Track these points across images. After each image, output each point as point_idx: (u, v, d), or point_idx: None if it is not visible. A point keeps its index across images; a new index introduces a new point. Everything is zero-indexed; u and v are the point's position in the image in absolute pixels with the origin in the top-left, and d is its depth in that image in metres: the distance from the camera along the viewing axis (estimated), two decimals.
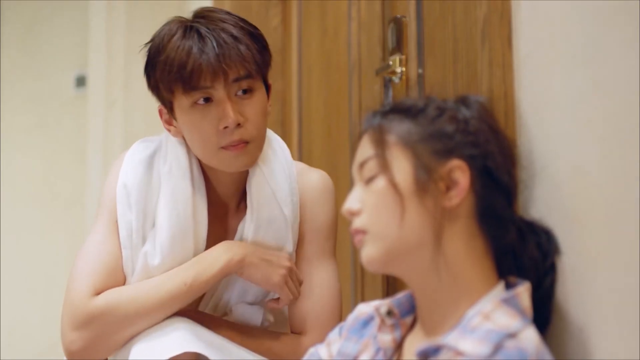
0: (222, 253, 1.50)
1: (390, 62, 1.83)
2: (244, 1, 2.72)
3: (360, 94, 2.10)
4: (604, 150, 1.02)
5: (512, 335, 0.99)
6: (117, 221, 1.53)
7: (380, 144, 1.10)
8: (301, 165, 1.70)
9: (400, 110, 1.12)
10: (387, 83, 1.88)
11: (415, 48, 1.74)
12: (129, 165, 1.57)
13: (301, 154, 2.59)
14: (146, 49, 1.55)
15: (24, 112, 4.17)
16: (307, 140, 2.57)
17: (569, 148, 1.10)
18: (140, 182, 1.54)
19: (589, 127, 1.06)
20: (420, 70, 1.72)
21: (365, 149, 1.13)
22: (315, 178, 1.66)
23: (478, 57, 1.37)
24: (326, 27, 2.43)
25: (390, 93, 1.87)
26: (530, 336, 1.00)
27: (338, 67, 2.32)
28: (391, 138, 1.10)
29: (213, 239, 1.56)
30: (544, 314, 1.12)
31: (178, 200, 1.53)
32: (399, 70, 1.82)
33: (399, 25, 1.83)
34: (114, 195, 1.55)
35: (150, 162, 1.58)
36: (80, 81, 3.99)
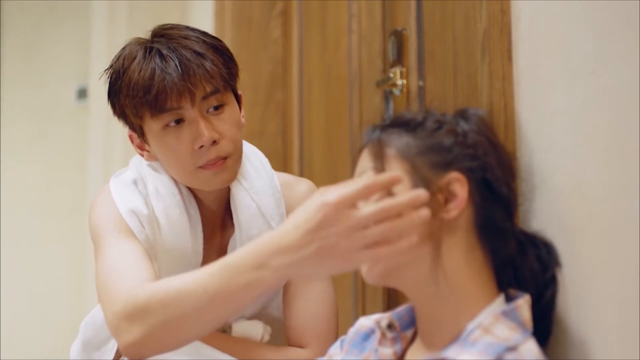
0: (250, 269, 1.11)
1: (391, 75, 1.84)
2: (244, 13, 2.72)
3: (360, 106, 2.10)
4: (604, 162, 1.03)
5: (512, 348, 0.99)
6: (127, 235, 1.45)
7: (379, 157, 1.11)
8: (285, 176, 1.67)
9: (399, 123, 1.13)
10: (387, 95, 1.88)
11: (416, 60, 1.75)
12: (123, 193, 1.51)
13: (302, 166, 2.60)
14: (106, 75, 1.50)
15: (24, 123, 4.17)
16: (308, 152, 2.57)
17: (569, 161, 1.10)
18: (140, 201, 1.51)
19: (588, 140, 1.06)
20: (420, 83, 1.73)
21: (365, 162, 1.13)
22: (303, 189, 1.63)
23: (478, 70, 1.38)
24: (327, 39, 2.44)
25: (391, 105, 1.87)
26: (530, 349, 1.00)
27: (339, 79, 2.32)
28: (390, 151, 1.10)
29: (205, 257, 1.55)
30: (545, 326, 1.12)
31: (173, 221, 1.50)
32: (399, 82, 1.82)
33: (399, 38, 1.83)
34: (115, 219, 1.47)
35: (136, 187, 1.53)
36: (82, 93, 4.00)
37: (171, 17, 3.29)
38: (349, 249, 1.01)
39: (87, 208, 3.77)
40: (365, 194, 1.02)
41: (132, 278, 1.31)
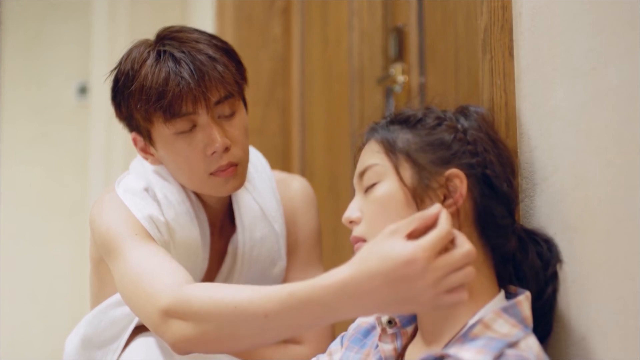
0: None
1: (393, 71, 1.84)
2: (245, 11, 2.72)
3: (361, 103, 2.11)
4: (604, 160, 1.02)
5: (512, 344, 0.99)
6: (146, 237, 1.40)
7: (380, 153, 1.11)
8: (278, 174, 1.66)
9: (400, 120, 1.13)
10: (388, 92, 1.88)
11: (417, 57, 1.75)
12: (136, 201, 1.46)
13: (303, 164, 2.60)
14: (111, 77, 1.47)
15: (25, 121, 4.17)
16: (309, 150, 2.57)
17: (569, 158, 1.10)
18: (156, 209, 1.47)
19: (589, 137, 1.06)
20: (422, 80, 1.73)
21: (366, 159, 1.13)
22: (297, 187, 1.63)
23: (479, 67, 1.37)
24: (328, 36, 2.44)
25: (392, 102, 1.87)
26: (531, 345, 1.00)
27: (339, 76, 2.32)
28: (391, 148, 1.10)
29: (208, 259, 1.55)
30: (546, 323, 1.12)
31: (185, 228, 1.49)
32: (400, 79, 1.82)
33: (400, 35, 1.83)
34: (130, 223, 1.42)
35: (148, 195, 1.49)
36: (83, 92, 4.01)
37: (172, 15, 3.30)
38: (434, 296, 0.98)
39: (88, 207, 3.77)
40: (446, 241, 0.99)
41: (169, 275, 1.26)
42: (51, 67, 4.18)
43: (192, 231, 1.50)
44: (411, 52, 1.79)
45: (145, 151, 1.50)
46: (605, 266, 1.03)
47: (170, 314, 1.18)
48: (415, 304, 0.99)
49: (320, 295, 1.03)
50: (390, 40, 1.90)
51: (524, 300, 1.06)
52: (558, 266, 1.12)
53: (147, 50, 1.44)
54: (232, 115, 1.45)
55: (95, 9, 3.80)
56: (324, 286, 1.03)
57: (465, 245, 0.99)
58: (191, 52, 1.41)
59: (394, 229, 0.99)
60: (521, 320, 1.03)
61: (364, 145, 1.16)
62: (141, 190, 1.49)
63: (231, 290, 1.15)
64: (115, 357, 1.49)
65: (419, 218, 1.00)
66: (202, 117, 1.41)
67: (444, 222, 1.00)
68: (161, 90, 1.39)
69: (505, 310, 1.04)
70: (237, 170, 1.46)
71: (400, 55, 1.84)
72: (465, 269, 0.99)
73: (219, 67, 1.41)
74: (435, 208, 1.01)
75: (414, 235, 0.99)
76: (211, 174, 1.44)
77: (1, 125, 4.13)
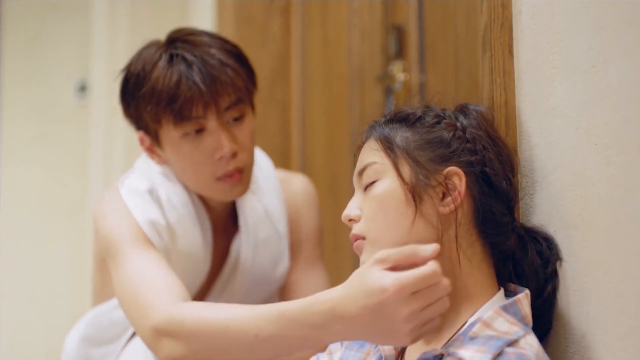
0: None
1: (393, 68, 1.84)
2: (245, 10, 2.72)
3: (361, 101, 2.10)
4: (604, 158, 1.02)
5: (512, 343, 0.99)
6: (146, 244, 1.40)
7: (380, 151, 1.11)
8: (281, 172, 1.67)
9: (399, 118, 1.13)
10: (388, 91, 1.88)
11: (417, 55, 1.75)
12: (138, 203, 1.45)
13: (302, 163, 2.59)
14: (122, 76, 1.47)
15: (25, 122, 4.17)
16: (309, 148, 2.57)
17: (569, 156, 1.10)
18: (158, 212, 1.46)
19: (589, 135, 1.06)
20: (422, 78, 1.73)
21: (365, 157, 1.13)
22: (299, 185, 1.63)
23: (479, 65, 1.37)
24: (328, 35, 2.44)
25: (392, 100, 1.87)
26: (530, 343, 1.00)
27: (339, 75, 2.32)
28: (390, 146, 1.10)
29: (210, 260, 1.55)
30: (545, 321, 1.12)
31: (187, 230, 1.49)
32: (400, 77, 1.82)
33: (400, 33, 1.83)
34: (132, 228, 1.41)
35: (151, 197, 1.49)
36: (83, 92, 4.01)
37: (172, 15, 3.29)
38: (411, 331, 0.98)
39: (88, 207, 3.77)
40: (425, 284, 0.97)
41: (164, 290, 1.26)
42: (51, 66, 4.17)
43: (194, 233, 1.49)
44: (411, 50, 1.78)
45: (151, 151, 1.50)
46: (605, 264, 1.03)
47: (162, 332, 1.19)
48: (396, 338, 0.99)
49: (309, 315, 1.04)
50: (390, 39, 1.90)
51: (524, 298, 1.06)
52: (558, 264, 1.12)
53: (158, 52, 1.43)
54: (240, 120, 1.45)
55: (95, 9, 3.80)
56: (314, 305, 1.03)
57: (443, 281, 0.98)
58: (203, 57, 1.41)
59: (382, 257, 0.99)
60: (521, 319, 1.03)
61: (363, 143, 1.16)
62: (145, 191, 1.48)
63: (223, 309, 1.15)
64: (115, 357, 1.49)
65: (409, 253, 0.99)
66: (212, 122, 1.41)
67: (431, 266, 0.97)
68: (172, 93, 1.39)
69: (504, 308, 1.04)
70: (242, 177, 1.46)
71: (400, 53, 1.84)
72: (440, 301, 0.98)
73: (230, 73, 1.42)
74: (431, 248, 0.99)
75: (399, 267, 0.98)
76: (218, 179, 1.44)
77: (1, 125, 4.13)
